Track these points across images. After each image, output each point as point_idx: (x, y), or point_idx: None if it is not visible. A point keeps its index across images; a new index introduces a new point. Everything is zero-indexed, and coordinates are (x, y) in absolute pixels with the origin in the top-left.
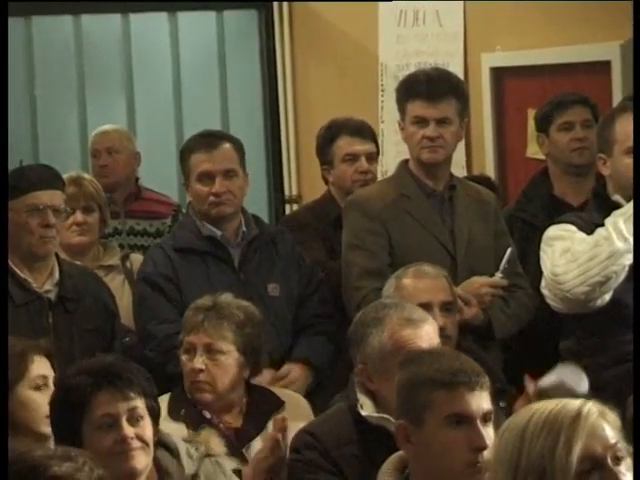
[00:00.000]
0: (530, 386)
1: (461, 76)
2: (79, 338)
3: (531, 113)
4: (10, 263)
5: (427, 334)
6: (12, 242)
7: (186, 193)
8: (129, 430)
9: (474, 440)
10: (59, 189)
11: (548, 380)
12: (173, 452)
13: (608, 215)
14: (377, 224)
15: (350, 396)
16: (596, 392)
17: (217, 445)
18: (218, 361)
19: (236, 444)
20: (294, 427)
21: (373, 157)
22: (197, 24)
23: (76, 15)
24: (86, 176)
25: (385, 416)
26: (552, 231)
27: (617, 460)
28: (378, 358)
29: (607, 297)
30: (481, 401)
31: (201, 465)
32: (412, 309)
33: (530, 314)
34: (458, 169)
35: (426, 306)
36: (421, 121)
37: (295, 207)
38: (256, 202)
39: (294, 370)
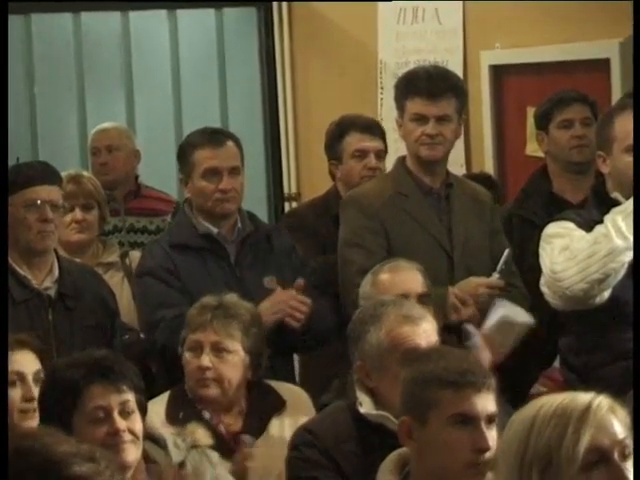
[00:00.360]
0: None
1: (460, 74)
2: (79, 335)
3: (530, 111)
4: (10, 260)
5: (425, 331)
6: (11, 238)
7: (184, 189)
8: (121, 423)
9: (477, 441)
10: (57, 185)
11: (489, 323)
12: (160, 443)
13: (607, 213)
14: (375, 222)
15: (349, 394)
16: (595, 389)
17: (203, 437)
18: (225, 359)
19: (233, 446)
20: (296, 423)
21: (382, 155)
22: (196, 22)
23: (76, 13)
24: (85, 174)
25: (384, 414)
26: (551, 228)
27: (624, 456)
28: (376, 355)
29: (606, 294)
30: (487, 402)
31: (188, 455)
32: (410, 306)
33: None
34: (457, 167)
35: (403, 298)
36: (421, 118)
37: (294, 205)
38: (255, 199)
39: None
